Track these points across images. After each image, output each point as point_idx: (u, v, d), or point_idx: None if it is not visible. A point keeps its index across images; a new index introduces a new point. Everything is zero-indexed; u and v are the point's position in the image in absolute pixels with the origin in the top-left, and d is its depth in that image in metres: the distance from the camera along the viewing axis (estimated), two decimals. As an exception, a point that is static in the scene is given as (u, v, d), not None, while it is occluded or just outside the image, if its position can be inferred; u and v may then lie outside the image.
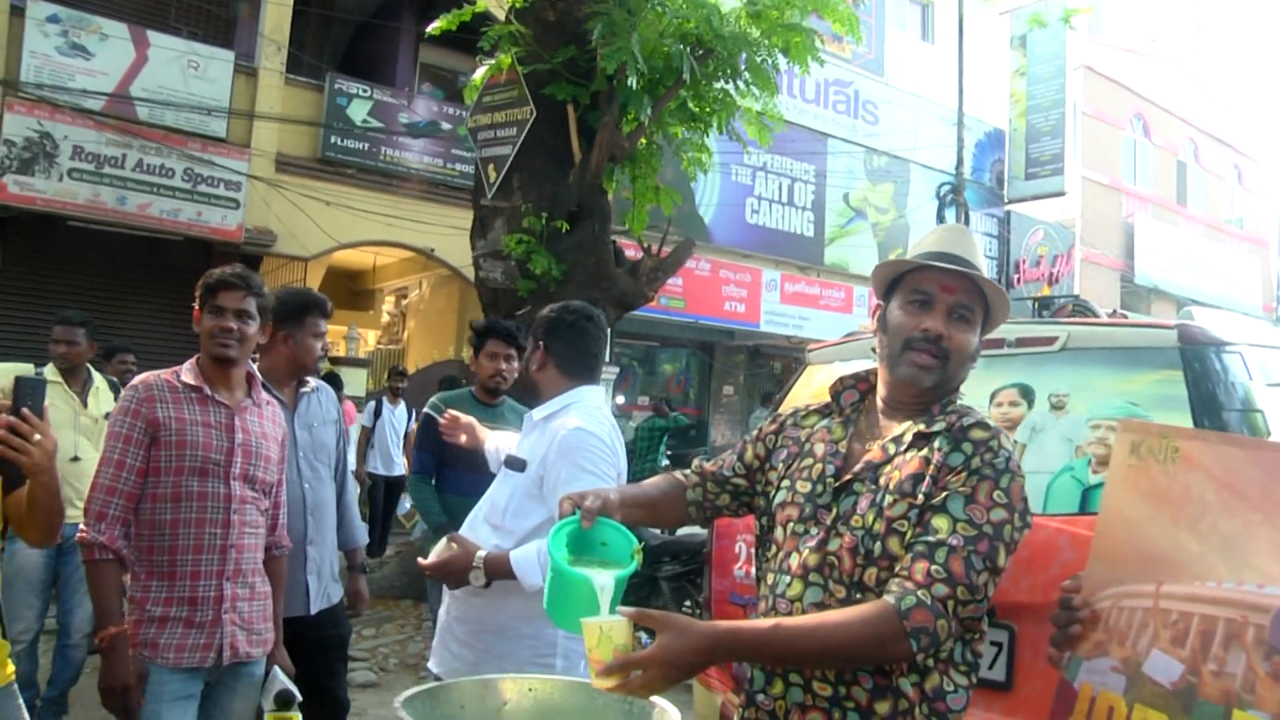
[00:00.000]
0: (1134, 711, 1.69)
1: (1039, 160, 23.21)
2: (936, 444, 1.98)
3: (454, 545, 2.97)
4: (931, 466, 1.95)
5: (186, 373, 3.18)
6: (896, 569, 1.88)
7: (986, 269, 2.09)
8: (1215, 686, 1.59)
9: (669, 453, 14.19)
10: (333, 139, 14.03)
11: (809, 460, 2.13)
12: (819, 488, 2.07)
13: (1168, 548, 1.70)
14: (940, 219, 19.86)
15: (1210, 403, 2.99)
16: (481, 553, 2.91)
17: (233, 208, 12.90)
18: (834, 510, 2.02)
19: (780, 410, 2.40)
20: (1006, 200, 23.64)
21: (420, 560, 3.04)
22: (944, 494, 1.90)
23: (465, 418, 3.69)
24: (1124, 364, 3.22)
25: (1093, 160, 25.23)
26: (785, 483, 2.14)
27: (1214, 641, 1.60)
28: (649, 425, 14.38)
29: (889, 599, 1.82)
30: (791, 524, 2.08)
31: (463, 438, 3.65)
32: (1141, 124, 27.78)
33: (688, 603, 7.17)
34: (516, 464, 3.08)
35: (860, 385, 2.21)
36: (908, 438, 2.02)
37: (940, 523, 1.87)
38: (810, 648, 1.82)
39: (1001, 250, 23.38)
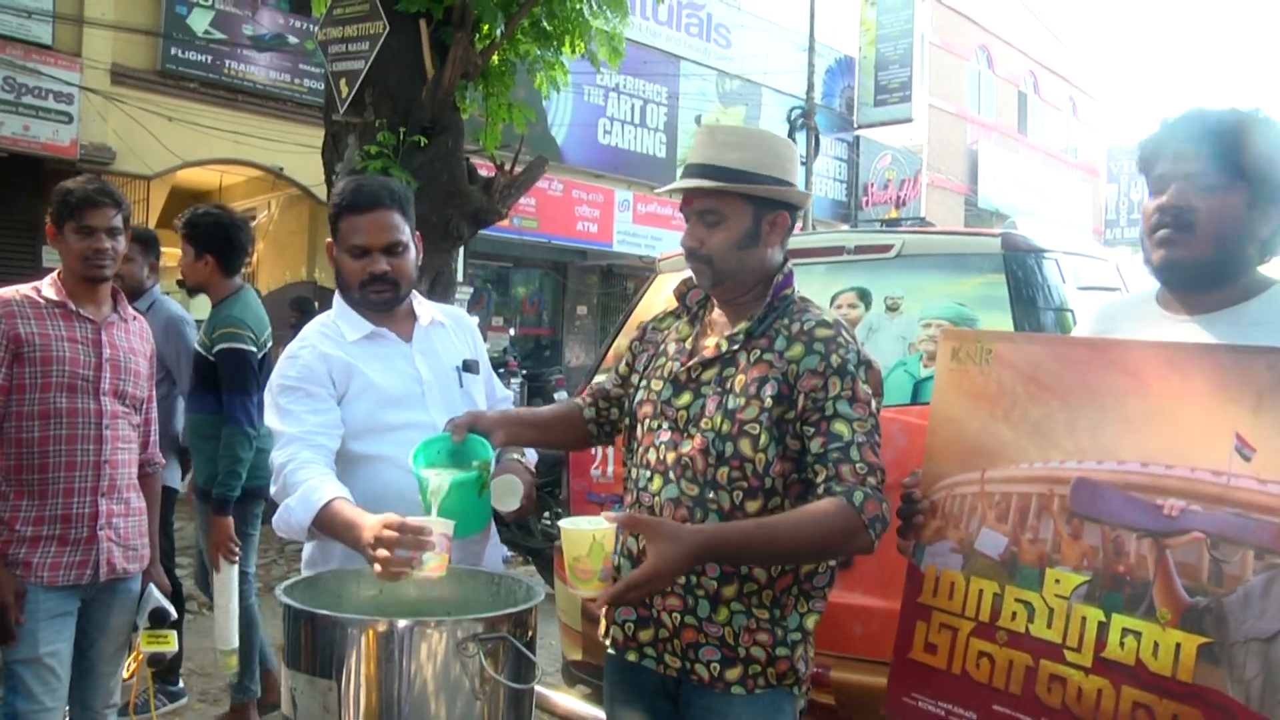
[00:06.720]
0: (970, 583, 1.95)
1: (888, 88, 23.85)
2: (777, 346, 2.08)
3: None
4: (775, 370, 2.05)
5: (48, 287, 3.08)
6: (821, 476, 1.99)
7: (747, 154, 2.10)
8: (1031, 552, 1.86)
9: (524, 373, 14.17)
10: (173, 50, 13.39)
11: (662, 359, 2.25)
12: (666, 385, 2.19)
13: (988, 439, 1.95)
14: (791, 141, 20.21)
15: (1028, 303, 3.27)
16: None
17: (65, 122, 12.18)
18: (679, 408, 2.14)
19: (634, 319, 2.50)
20: (856, 125, 24.24)
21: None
22: (829, 401, 2.01)
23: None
24: (953, 269, 3.46)
25: (939, 89, 25.98)
26: (643, 382, 2.26)
27: (1029, 514, 1.87)
28: None
29: (839, 498, 1.93)
30: (647, 420, 2.20)
31: None
32: (985, 56, 28.68)
33: (546, 513, 7.33)
34: (474, 366, 2.88)
35: None
36: (740, 336, 2.12)
37: (841, 428, 1.99)
38: (788, 544, 1.94)
39: (851, 173, 24.01)
